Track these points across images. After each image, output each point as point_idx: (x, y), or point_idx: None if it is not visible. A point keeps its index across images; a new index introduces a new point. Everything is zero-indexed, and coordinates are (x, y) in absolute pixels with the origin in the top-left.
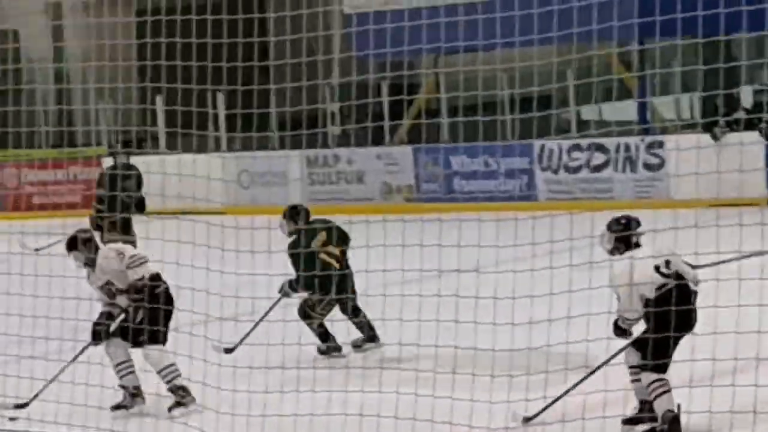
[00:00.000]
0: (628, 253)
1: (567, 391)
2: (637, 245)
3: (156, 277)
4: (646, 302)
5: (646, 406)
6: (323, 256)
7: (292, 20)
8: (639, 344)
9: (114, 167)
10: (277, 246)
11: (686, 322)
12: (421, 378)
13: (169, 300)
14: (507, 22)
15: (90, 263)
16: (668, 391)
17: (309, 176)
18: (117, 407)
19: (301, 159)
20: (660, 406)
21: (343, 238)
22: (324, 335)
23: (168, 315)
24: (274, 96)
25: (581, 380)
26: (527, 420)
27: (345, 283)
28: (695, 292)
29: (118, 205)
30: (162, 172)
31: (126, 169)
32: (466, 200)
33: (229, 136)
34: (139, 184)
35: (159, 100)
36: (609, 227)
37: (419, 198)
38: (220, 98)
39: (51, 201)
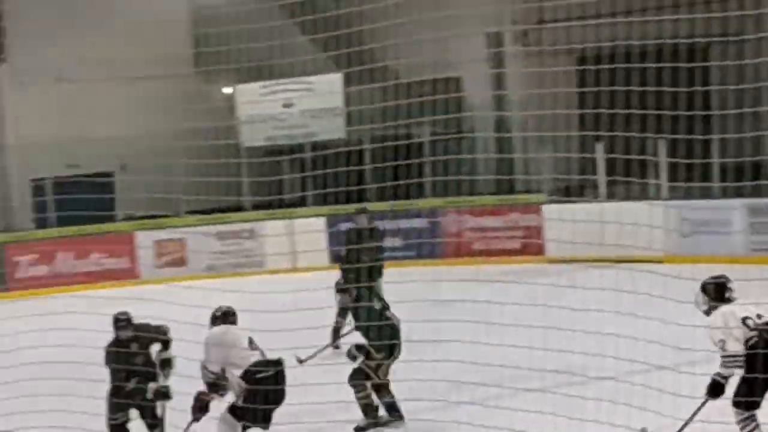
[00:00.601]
0: (723, 307)
1: None
2: (729, 300)
3: (259, 364)
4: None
5: None
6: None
7: (735, 69)
8: (736, 392)
9: (355, 231)
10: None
11: None
12: None
13: (275, 383)
14: None
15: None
16: (757, 426)
17: (751, 226)
18: None
19: (744, 208)
20: None
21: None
22: (369, 407)
23: (269, 400)
24: (716, 144)
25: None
26: None
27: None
28: None
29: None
30: (601, 220)
31: (368, 229)
32: None
33: (671, 184)
34: (379, 246)
35: (599, 147)
36: (702, 289)
37: None
38: (662, 146)
39: (490, 247)
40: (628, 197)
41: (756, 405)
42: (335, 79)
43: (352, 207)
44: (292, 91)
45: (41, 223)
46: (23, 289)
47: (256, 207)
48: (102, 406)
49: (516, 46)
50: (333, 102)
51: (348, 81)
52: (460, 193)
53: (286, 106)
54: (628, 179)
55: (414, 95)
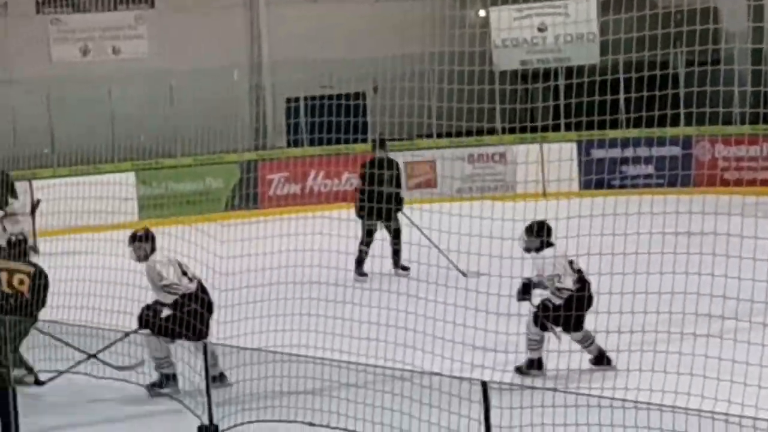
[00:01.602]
0: (547, 251)
1: None
2: (550, 244)
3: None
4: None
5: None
6: None
7: None
8: (555, 319)
9: (372, 160)
10: None
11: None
12: None
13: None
14: None
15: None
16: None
17: None
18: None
19: None
20: (595, 348)
21: None
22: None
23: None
24: None
25: None
26: None
27: None
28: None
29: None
30: None
31: (381, 162)
32: None
33: None
34: (394, 177)
35: None
36: (527, 230)
37: None
38: None
39: (742, 177)
40: None
41: (580, 325)
42: (590, 5)
43: (604, 133)
44: (547, 15)
45: (294, 143)
46: (275, 207)
47: (508, 131)
48: (347, 327)
49: None
50: (587, 28)
51: (603, 8)
52: (714, 122)
53: (540, 30)
54: None
55: (670, 24)
